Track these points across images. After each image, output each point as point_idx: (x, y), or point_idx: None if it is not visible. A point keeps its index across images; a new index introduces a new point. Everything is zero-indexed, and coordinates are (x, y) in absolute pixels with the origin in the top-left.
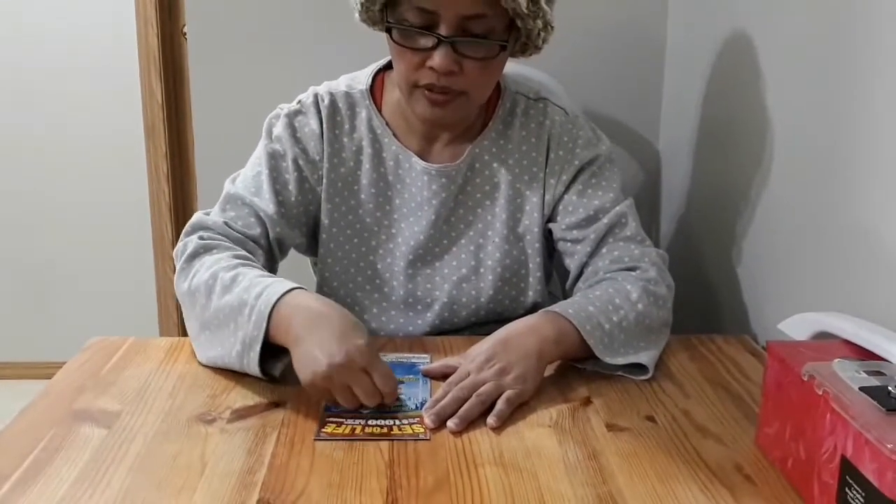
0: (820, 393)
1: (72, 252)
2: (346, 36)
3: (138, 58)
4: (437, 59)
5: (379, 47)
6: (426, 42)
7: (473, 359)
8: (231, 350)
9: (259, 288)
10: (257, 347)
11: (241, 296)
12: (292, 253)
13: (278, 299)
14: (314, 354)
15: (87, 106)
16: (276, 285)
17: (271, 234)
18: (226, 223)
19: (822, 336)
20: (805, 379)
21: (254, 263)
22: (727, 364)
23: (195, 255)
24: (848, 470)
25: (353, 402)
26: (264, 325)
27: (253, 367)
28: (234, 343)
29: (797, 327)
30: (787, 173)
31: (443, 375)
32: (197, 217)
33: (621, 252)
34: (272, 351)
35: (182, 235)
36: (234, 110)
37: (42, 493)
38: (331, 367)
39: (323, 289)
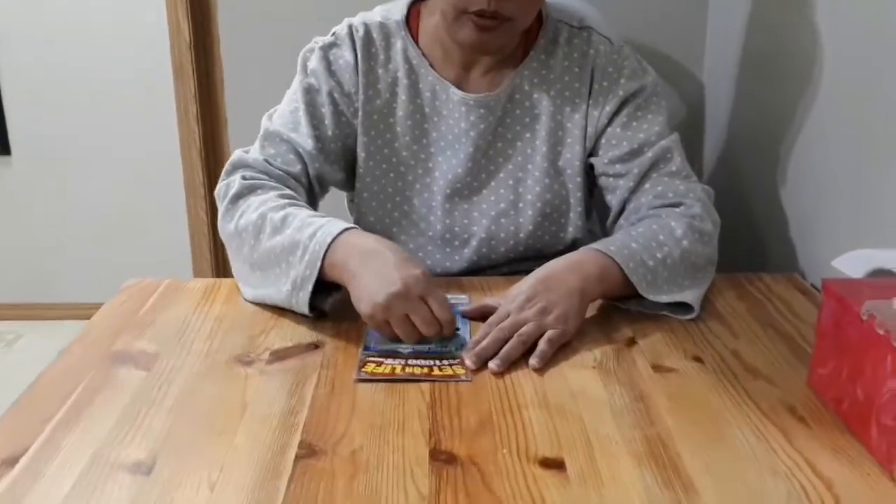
0: (881, 333)
1: (103, 195)
2: None
3: None
4: None
5: None
6: None
7: (514, 298)
8: (281, 289)
9: (311, 229)
10: (309, 287)
11: (294, 236)
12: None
13: (333, 239)
14: (372, 286)
15: (113, 47)
16: (329, 225)
17: (311, 171)
18: (266, 160)
19: (879, 273)
20: (865, 318)
21: (301, 203)
22: (776, 303)
23: (240, 196)
24: None
25: (412, 335)
26: (318, 264)
27: (302, 306)
28: (285, 282)
29: (852, 264)
30: (838, 101)
31: (482, 316)
32: (237, 155)
33: (665, 187)
34: (323, 288)
35: (223, 175)
36: (263, 47)
37: (84, 434)
38: (389, 296)
39: (360, 224)
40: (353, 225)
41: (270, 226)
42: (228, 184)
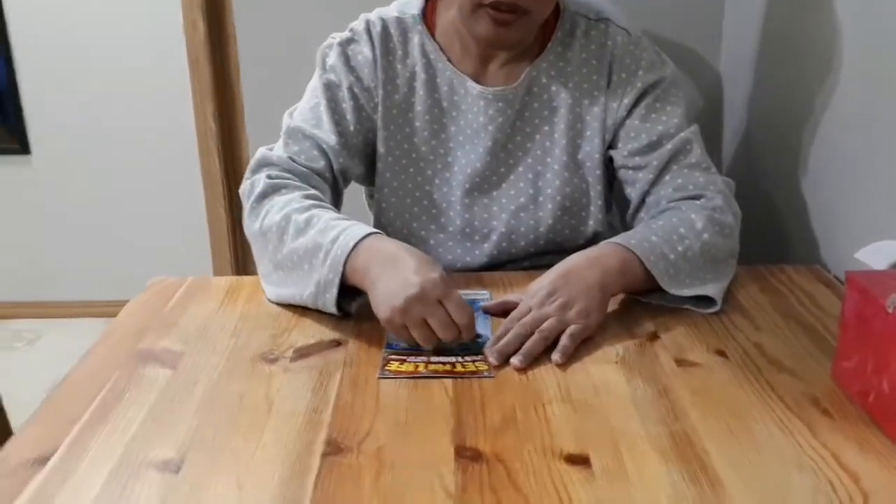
0: None
1: (121, 194)
2: None
3: None
4: None
5: None
6: None
7: (534, 294)
8: (304, 291)
9: (335, 232)
10: (333, 290)
11: (316, 239)
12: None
13: (356, 244)
14: (390, 290)
15: (130, 44)
16: (352, 230)
17: (335, 166)
18: (290, 158)
19: None
20: (890, 311)
21: (325, 204)
22: (799, 295)
23: (265, 195)
24: None
25: (430, 339)
26: (340, 268)
27: (329, 307)
28: (308, 284)
29: (876, 256)
30: (860, 90)
31: (503, 312)
32: (261, 153)
33: (685, 180)
34: (346, 290)
35: (248, 173)
36: (279, 41)
37: (112, 433)
38: (407, 300)
39: (380, 220)
40: (376, 230)
41: (294, 227)
42: (253, 182)
